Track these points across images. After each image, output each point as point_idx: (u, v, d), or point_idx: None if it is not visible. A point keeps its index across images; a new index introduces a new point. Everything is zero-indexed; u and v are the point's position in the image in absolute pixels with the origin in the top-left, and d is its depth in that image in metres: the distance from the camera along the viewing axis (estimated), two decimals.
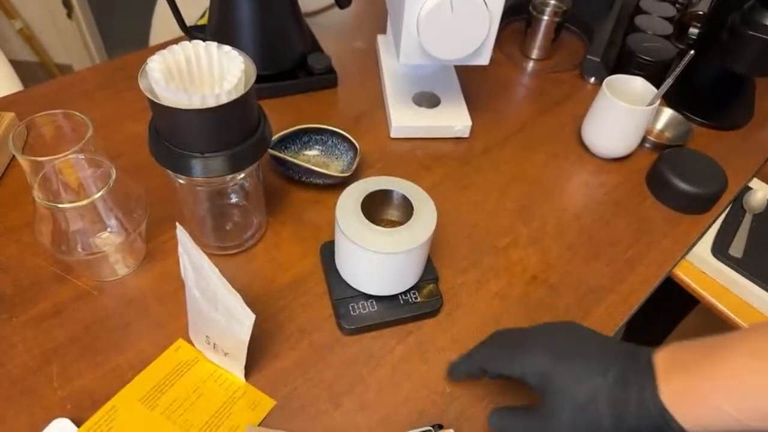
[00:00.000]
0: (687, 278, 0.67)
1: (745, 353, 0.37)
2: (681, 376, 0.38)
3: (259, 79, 0.51)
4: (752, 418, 0.35)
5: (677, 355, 0.39)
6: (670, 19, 0.92)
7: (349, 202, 0.52)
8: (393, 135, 0.76)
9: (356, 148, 0.68)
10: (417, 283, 0.57)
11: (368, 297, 0.56)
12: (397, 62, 0.74)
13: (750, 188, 0.76)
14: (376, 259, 0.50)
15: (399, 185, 0.55)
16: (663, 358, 0.40)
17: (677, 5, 1.00)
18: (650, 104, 0.70)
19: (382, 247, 0.49)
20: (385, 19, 0.87)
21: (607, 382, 0.40)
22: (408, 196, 0.53)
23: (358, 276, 0.55)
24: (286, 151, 0.69)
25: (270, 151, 0.65)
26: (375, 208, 0.54)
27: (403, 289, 0.56)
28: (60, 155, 0.51)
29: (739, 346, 0.37)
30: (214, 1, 0.76)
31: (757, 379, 0.36)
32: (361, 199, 0.52)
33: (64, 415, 0.47)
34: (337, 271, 0.58)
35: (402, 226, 0.51)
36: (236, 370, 0.50)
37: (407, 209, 0.53)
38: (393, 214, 0.57)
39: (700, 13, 0.92)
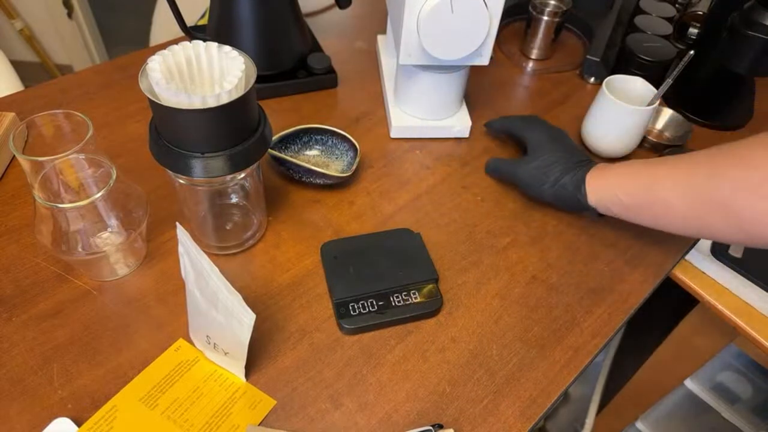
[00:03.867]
0: (687, 278, 0.67)
1: (647, 163, 0.57)
2: (604, 169, 0.61)
3: (260, 79, 0.51)
4: (627, 195, 0.57)
5: (608, 177, 0.60)
6: (670, 19, 0.92)
7: None
8: (393, 135, 0.76)
9: (356, 148, 0.68)
10: (417, 282, 0.58)
11: (368, 297, 0.56)
12: (397, 62, 0.74)
13: None
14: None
15: None
16: (597, 177, 0.61)
17: (677, 5, 1.00)
18: (650, 104, 0.70)
19: None
20: (385, 19, 0.87)
21: (569, 159, 0.64)
22: None
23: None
24: (286, 151, 0.69)
25: (270, 151, 0.65)
26: None
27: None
28: (60, 155, 0.51)
29: (650, 162, 0.57)
30: (214, 1, 0.76)
31: (638, 175, 0.57)
32: None
33: (65, 414, 0.47)
34: (337, 271, 0.58)
35: None
36: (236, 369, 0.50)
37: None
38: None
39: (700, 13, 0.92)
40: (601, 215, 0.62)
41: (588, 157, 0.65)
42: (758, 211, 0.47)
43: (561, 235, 0.66)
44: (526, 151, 0.68)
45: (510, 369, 0.54)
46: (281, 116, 0.78)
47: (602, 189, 0.60)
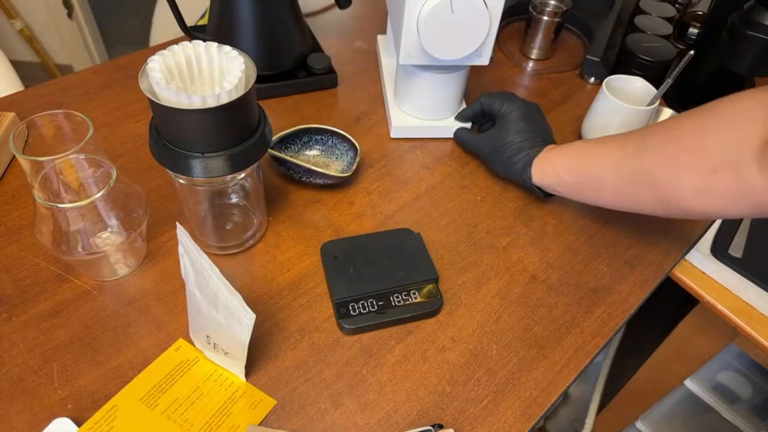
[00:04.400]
0: (687, 278, 0.67)
1: (587, 142, 0.61)
2: (551, 150, 0.64)
3: (260, 79, 0.51)
4: (568, 174, 0.60)
5: (551, 158, 0.63)
6: (670, 19, 0.92)
7: None
8: (393, 135, 0.76)
9: (356, 148, 0.68)
10: (417, 282, 0.58)
11: (368, 297, 0.56)
12: (397, 62, 0.74)
13: None
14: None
15: None
16: (542, 158, 0.64)
17: (677, 5, 1.00)
18: (650, 104, 0.70)
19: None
20: (385, 19, 0.87)
21: (529, 139, 0.66)
22: None
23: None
24: (286, 151, 0.69)
25: (270, 151, 0.65)
26: None
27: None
28: (60, 155, 0.51)
29: (590, 141, 0.60)
30: (214, 1, 0.76)
31: (578, 154, 0.60)
32: None
33: (65, 414, 0.47)
34: (337, 271, 0.58)
35: None
36: (236, 369, 0.50)
37: None
38: None
39: (700, 13, 0.92)
40: (548, 195, 0.66)
41: (549, 139, 0.67)
42: (677, 181, 0.49)
43: (561, 235, 0.66)
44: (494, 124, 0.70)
45: (510, 369, 0.54)
46: (281, 116, 0.78)
47: (546, 169, 0.63)
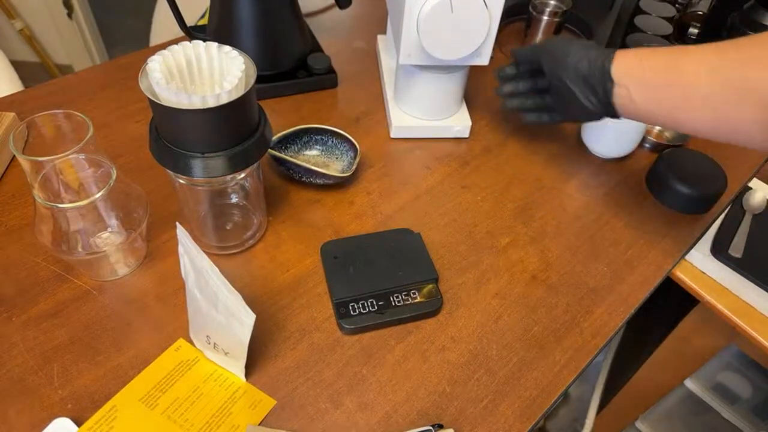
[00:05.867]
0: (687, 278, 0.67)
1: (676, 46, 0.51)
2: (633, 48, 0.54)
3: (260, 79, 0.51)
4: (654, 73, 0.51)
5: (638, 51, 0.54)
6: (670, 19, 0.92)
7: None
8: (393, 135, 0.76)
9: (356, 148, 0.68)
10: (417, 282, 0.58)
11: (368, 297, 0.56)
12: (397, 62, 0.74)
13: (749, 188, 0.76)
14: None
15: None
16: (627, 50, 0.55)
17: (677, 5, 1.00)
18: None
19: None
20: (385, 19, 0.87)
21: (589, 54, 0.56)
22: None
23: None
24: (286, 151, 0.69)
25: (270, 151, 0.65)
26: None
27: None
28: (60, 155, 0.51)
29: (678, 46, 0.51)
30: (214, 1, 0.76)
31: (666, 52, 0.51)
32: None
33: (65, 414, 0.47)
34: (337, 271, 0.58)
35: None
36: (236, 369, 0.50)
37: None
38: None
39: (700, 13, 0.92)
40: (615, 115, 0.56)
41: (608, 51, 0.57)
42: None
43: (561, 235, 0.66)
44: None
45: (510, 369, 0.54)
46: (281, 116, 0.78)
47: (630, 60, 0.53)
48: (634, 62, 0.52)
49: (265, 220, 0.63)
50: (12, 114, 0.69)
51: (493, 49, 0.68)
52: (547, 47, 0.61)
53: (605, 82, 0.54)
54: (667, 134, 0.82)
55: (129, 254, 0.57)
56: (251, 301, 0.44)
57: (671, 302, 0.77)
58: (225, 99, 0.46)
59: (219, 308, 0.45)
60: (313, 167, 0.64)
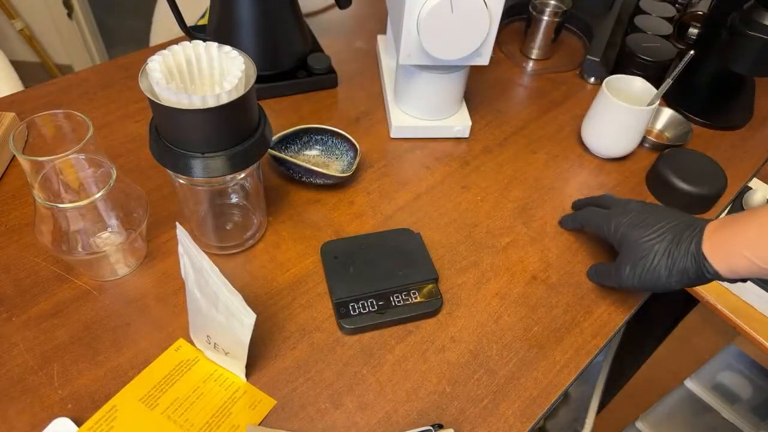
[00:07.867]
0: None
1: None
2: (720, 233, 0.49)
3: (260, 79, 0.51)
4: (764, 260, 0.46)
5: (723, 220, 0.50)
6: (670, 19, 0.92)
7: None
8: (393, 135, 0.76)
9: (356, 148, 0.68)
10: (417, 282, 0.58)
11: (368, 297, 0.56)
12: (396, 62, 0.74)
13: (750, 188, 0.76)
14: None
15: None
16: (713, 223, 0.51)
17: (677, 5, 1.00)
18: (650, 104, 0.70)
19: None
20: (385, 19, 0.87)
21: (665, 240, 0.52)
22: None
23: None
24: (286, 151, 0.69)
25: (270, 151, 0.65)
26: None
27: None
28: (60, 155, 0.51)
29: None
30: (214, 1, 0.76)
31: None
32: None
33: (65, 414, 0.47)
34: (337, 270, 0.58)
35: None
36: (237, 369, 0.50)
37: None
38: None
39: (700, 13, 0.92)
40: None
41: (686, 219, 0.53)
42: None
43: (561, 235, 0.66)
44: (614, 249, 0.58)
45: (510, 369, 0.54)
46: (281, 116, 0.78)
47: (731, 257, 0.48)
48: (738, 260, 0.47)
49: (265, 220, 0.63)
50: (12, 114, 0.69)
51: (493, 49, 0.68)
52: (620, 274, 0.55)
53: (708, 280, 0.51)
54: (666, 134, 0.82)
55: (129, 254, 0.57)
56: (251, 301, 0.44)
57: (671, 302, 0.77)
58: (225, 99, 0.46)
59: (219, 308, 0.45)
60: (313, 167, 0.64)
